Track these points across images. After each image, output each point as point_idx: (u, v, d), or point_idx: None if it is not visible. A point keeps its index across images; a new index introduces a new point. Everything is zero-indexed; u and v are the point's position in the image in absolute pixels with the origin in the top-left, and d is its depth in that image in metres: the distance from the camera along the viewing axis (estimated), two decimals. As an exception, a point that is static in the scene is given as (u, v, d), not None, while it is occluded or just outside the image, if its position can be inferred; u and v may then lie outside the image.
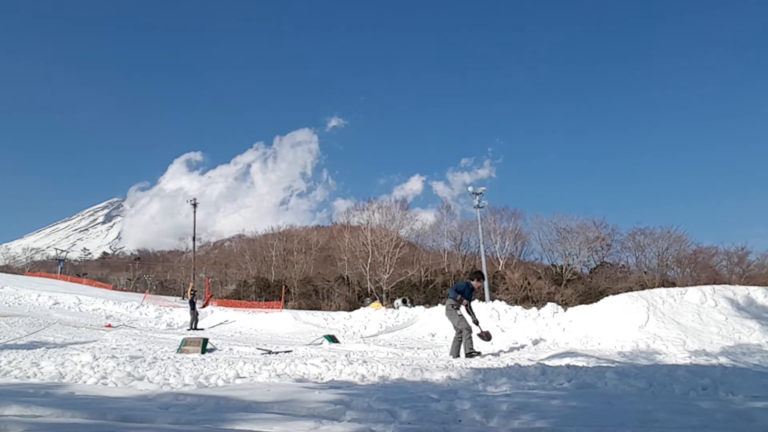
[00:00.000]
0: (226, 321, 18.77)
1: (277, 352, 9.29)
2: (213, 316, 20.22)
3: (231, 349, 10.38)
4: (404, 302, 30.86)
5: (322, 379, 5.27)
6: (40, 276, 44.68)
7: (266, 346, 10.69)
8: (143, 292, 38.14)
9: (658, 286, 21.82)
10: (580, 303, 21.39)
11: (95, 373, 5.44)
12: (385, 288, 42.62)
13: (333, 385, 4.57)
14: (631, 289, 19.06)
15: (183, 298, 38.84)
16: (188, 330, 16.71)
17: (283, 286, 39.48)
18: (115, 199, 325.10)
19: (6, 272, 47.79)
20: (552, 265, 45.15)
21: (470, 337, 7.96)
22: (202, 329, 17.07)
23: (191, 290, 18.73)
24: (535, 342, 10.12)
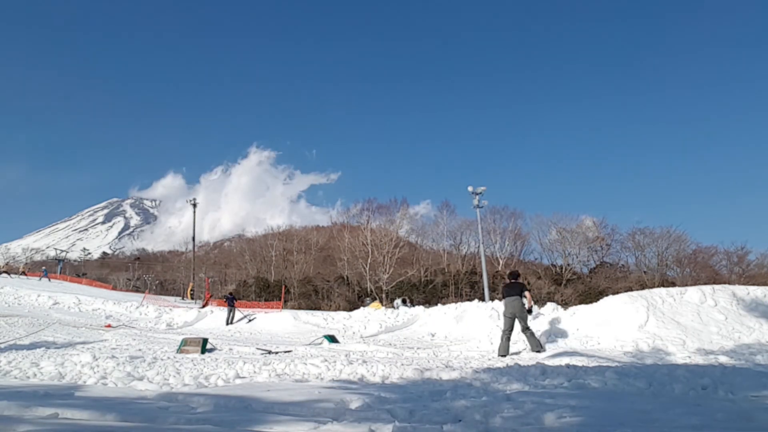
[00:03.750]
0: (246, 317, 19.35)
1: (276, 352, 9.29)
2: (206, 316, 20.35)
3: (231, 349, 10.38)
4: (404, 302, 30.83)
5: (322, 379, 5.26)
6: (40, 276, 44.53)
7: (266, 346, 10.69)
8: (143, 292, 38.11)
9: (658, 286, 21.83)
10: (580, 303, 21.37)
11: (95, 373, 5.44)
12: (384, 288, 42.59)
13: (333, 385, 4.57)
14: (630, 289, 19.05)
15: (183, 298, 38.82)
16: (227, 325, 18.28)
17: (283, 286, 39.44)
18: (115, 199, 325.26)
19: (5, 273, 47.65)
20: (552, 264, 45.12)
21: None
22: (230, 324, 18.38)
23: (190, 291, 19.41)
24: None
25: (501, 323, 9.37)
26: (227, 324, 18.40)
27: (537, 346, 8.91)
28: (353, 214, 54.51)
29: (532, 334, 9.09)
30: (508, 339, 9.00)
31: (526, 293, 9.32)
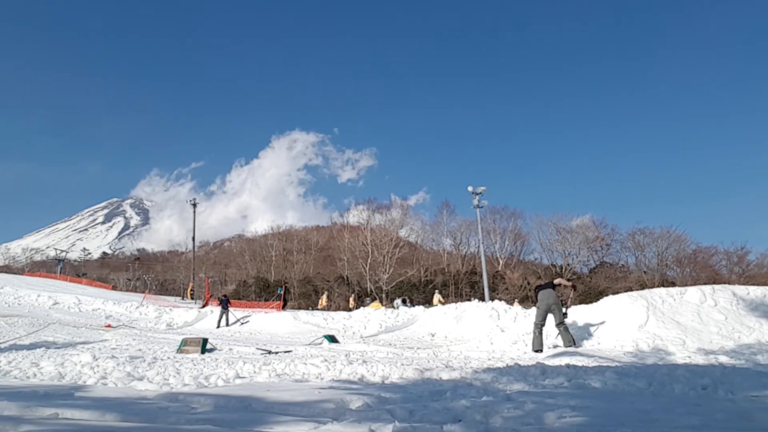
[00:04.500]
0: (240, 320, 19.16)
1: (276, 352, 9.28)
2: (207, 316, 20.31)
3: (231, 349, 10.38)
4: (404, 302, 30.82)
5: (322, 379, 5.26)
6: (39, 276, 44.58)
7: (266, 346, 10.69)
8: (143, 292, 38.10)
9: (658, 286, 21.80)
10: (580, 303, 21.36)
11: (95, 373, 5.44)
12: (384, 288, 42.59)
13: (333, 386, 4.57)
14: (630, 289, 19.05)
15: (183, 298, 38.82)
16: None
17: (283, 286, 39.44)
18: (115, 199, 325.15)
19: (6, 272, 47.72)
20: (552, 264, 45.08)
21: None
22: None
23: (190, 291, 19.41)
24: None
25: (534, 316, 9.29)
26: (218, 326, 18.22)
27: (570, 341, 8.70)
28: (353, 214, 54.51)
29: (566, 328, 8.91)
30: (541, 333, 8.85)
31: (558, 280, 9.46)
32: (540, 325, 8.83)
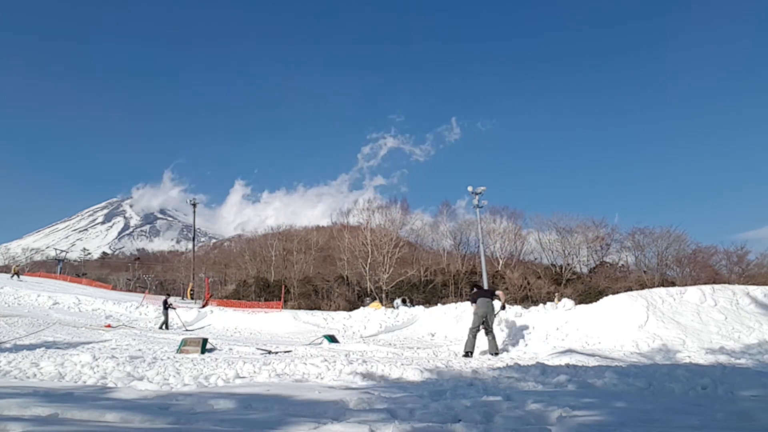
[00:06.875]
0: (209, 323, 18.32)
1: (276, 352, 9.28)
2: (206, 316, 20.20)
3: (231, 349, 10.37)
4: (404, 302, 30.83)
5: (322, 378, 5.27)
6: (39, 276, 44.58)
7: (266, 346, 10.69)
8: (143, 292, 38.13)
9: (658, 286, 21.79)
10: (580, 303, 21.37)
11: (95, 373, 5.44)
12: (384, 288, 42.57)
13: (333, 385, 4.57)
14: (630, 289, 19.07)
15: (183, 298, 38.85)
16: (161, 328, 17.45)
17: (283, 286, 39.42)
18: (115, 200, 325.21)
19: (6, 272, 47.68)
20: (552, 264, 45.10)
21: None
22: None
23: (190, 291, 19.03)
24: (535, 341, 10.10)
25: (470, 322, 9.58)
26: (160, 328, 17.50)
27: (495, 349, 9.15)
28: (354, 214, 54.46)
29: (494, 337, 9.36)
30: (475, 337, 9.21)
31: (499, 292, 9.89)
32: (475, 330, 9.21)
